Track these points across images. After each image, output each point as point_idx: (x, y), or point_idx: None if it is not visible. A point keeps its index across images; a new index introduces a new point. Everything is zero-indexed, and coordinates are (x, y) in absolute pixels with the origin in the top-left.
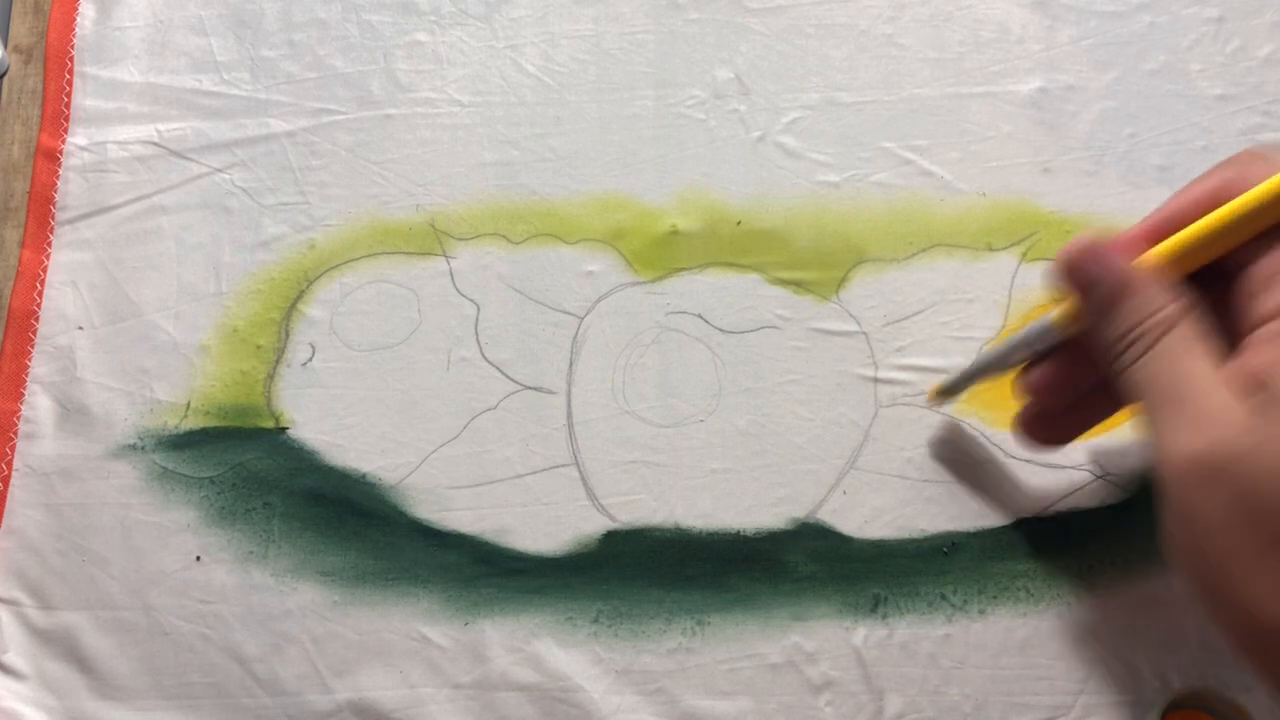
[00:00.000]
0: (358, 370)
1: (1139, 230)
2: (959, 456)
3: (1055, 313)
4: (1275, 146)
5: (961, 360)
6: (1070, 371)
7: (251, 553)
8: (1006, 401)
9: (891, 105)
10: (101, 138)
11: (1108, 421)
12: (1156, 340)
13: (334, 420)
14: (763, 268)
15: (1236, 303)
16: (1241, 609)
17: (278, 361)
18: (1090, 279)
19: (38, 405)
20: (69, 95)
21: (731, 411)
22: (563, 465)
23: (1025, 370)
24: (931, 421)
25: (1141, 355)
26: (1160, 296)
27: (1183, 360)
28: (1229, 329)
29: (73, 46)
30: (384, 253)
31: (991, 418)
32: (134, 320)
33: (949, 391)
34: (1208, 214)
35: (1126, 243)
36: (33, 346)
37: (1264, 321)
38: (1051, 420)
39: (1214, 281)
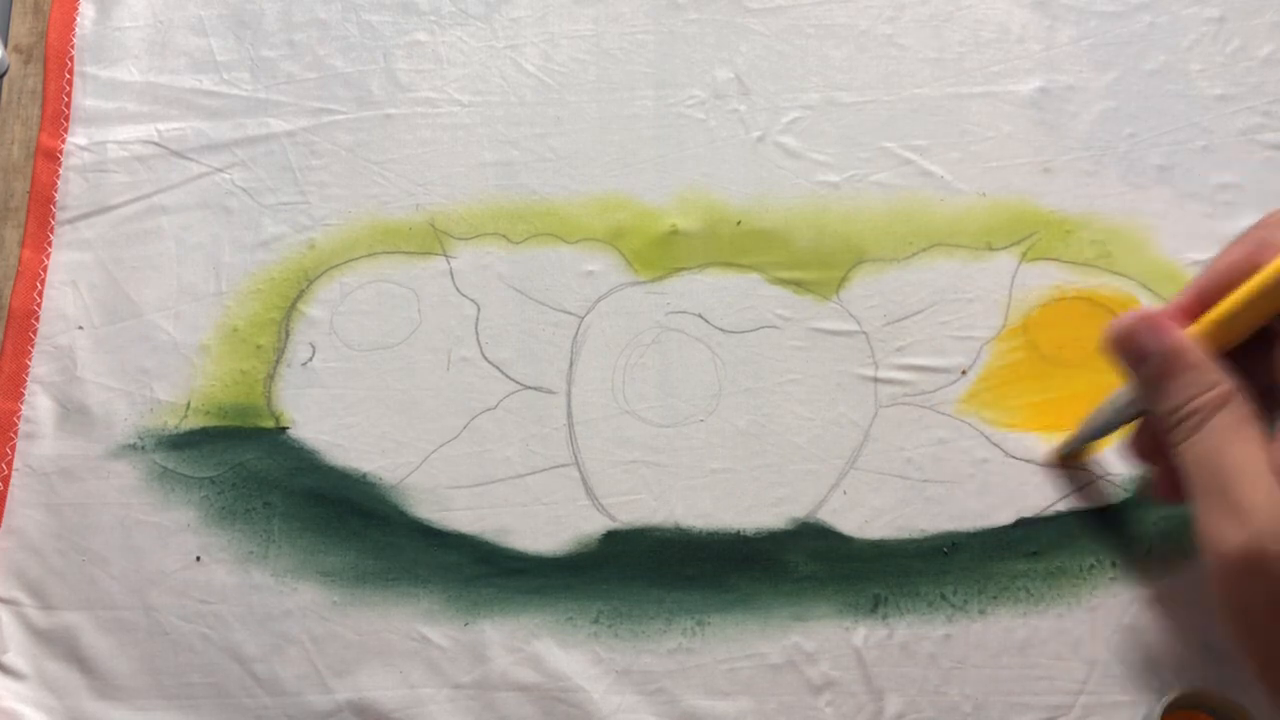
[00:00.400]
0: (358, 370)
1: (1180, 299)
2: (962, 455)
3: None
4: None
5: (962, 360)
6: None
7: (251, 553)
8: (1007, 401)
9: (891, 105)
10: (101, 137)
11: None
12: (1204, 421)
13: (334, 420)
14: (763, 268)
15: (1277, 371)
16: None
17: (278, 361)
18: (1141, 353)
19: (38, 405)
20: (69, 95)
21: (731, 411)
22: (563, 465)
23: (1134, 434)
24: (932, 421)
25: (1190, 436)
26: (1210, 375)
27: (1229, 445)
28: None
29: (73, 46)
30: (384, 252)
31: (992, 418)
32: (134, 320)
33: (1065, 456)
34: (1244, 280)
35: (1171, 313)
36: (33, 346)
37: None
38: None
39: (1261, 348)
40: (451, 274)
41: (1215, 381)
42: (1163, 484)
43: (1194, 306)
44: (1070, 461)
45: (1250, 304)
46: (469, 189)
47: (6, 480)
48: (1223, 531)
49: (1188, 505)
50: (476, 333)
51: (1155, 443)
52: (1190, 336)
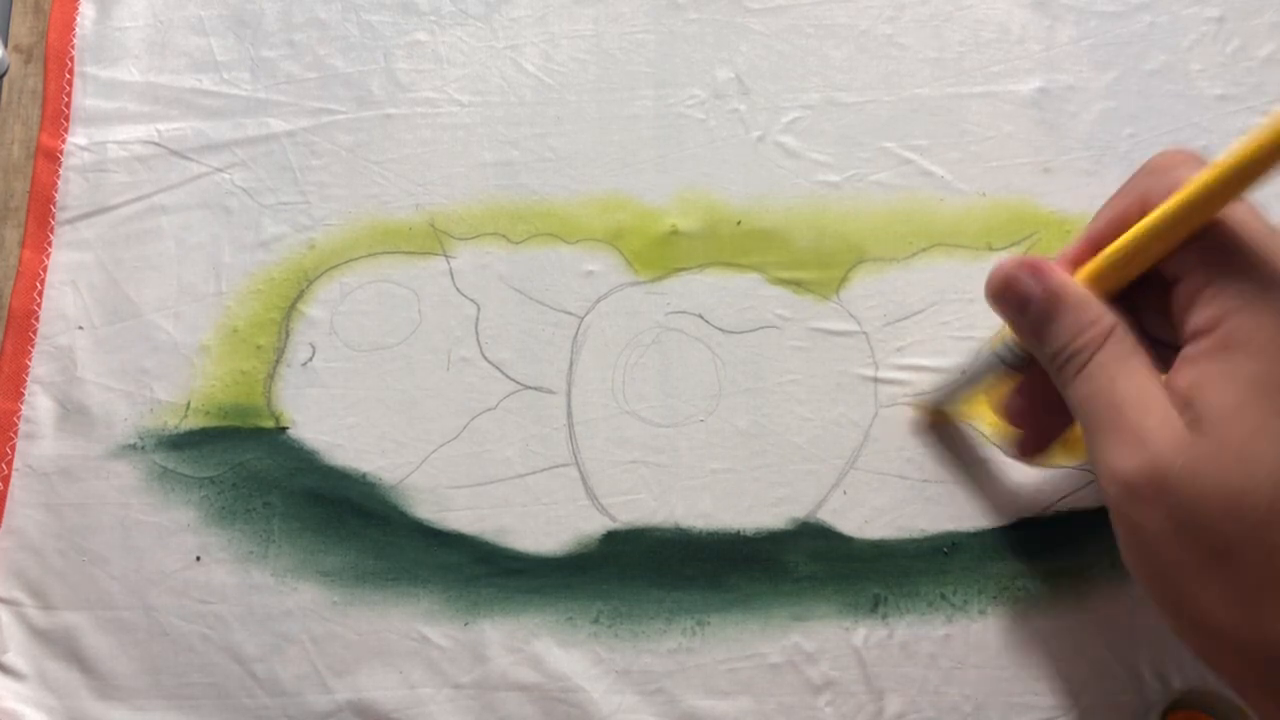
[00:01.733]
0: (358, 370)
1: (1071, 250)
2: (962, 455)
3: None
4: (1188, 151)
5: (962, 360)
6: (1040, 390)
7: (251, 553)
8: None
9: (891, 105)
10: (101, 138)
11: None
12: (1091, 357)
13: (334, 420)
14: (763, 268)
15: (1173, 315)
16: (1191, 617)
17: (278, 361)
18: (1023, 297)
19: (38, 405)
20: (69, 95)
21: (731, 411)
22: (563, 465)
23: (1003, 394)
24: (930, 422)
25: (1078, 372)
26: (1091, 310)
27: (1117, 377)
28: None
29: (73, 46)
30: (384, 252)
31: (991, 418)
32: (134, 320)
33: (931, 407)
34: (1132, 226)
35: (1061, 264)
36: (33, 346)
37: (1193, 338)
38: (1035, 434)
39: (1156, 290)
40: (451, 274)
41: (1097, 317)
42: (1027, 444)
43: (1084, 254)
44: (939, 418)
45: (1134, 248)
46: (469, 189)
47: (6, 480)
48: (1121, 457)
49: (1046, 459)
50: (476, 333)
51: (1028, 404)
52: (1077, 281)
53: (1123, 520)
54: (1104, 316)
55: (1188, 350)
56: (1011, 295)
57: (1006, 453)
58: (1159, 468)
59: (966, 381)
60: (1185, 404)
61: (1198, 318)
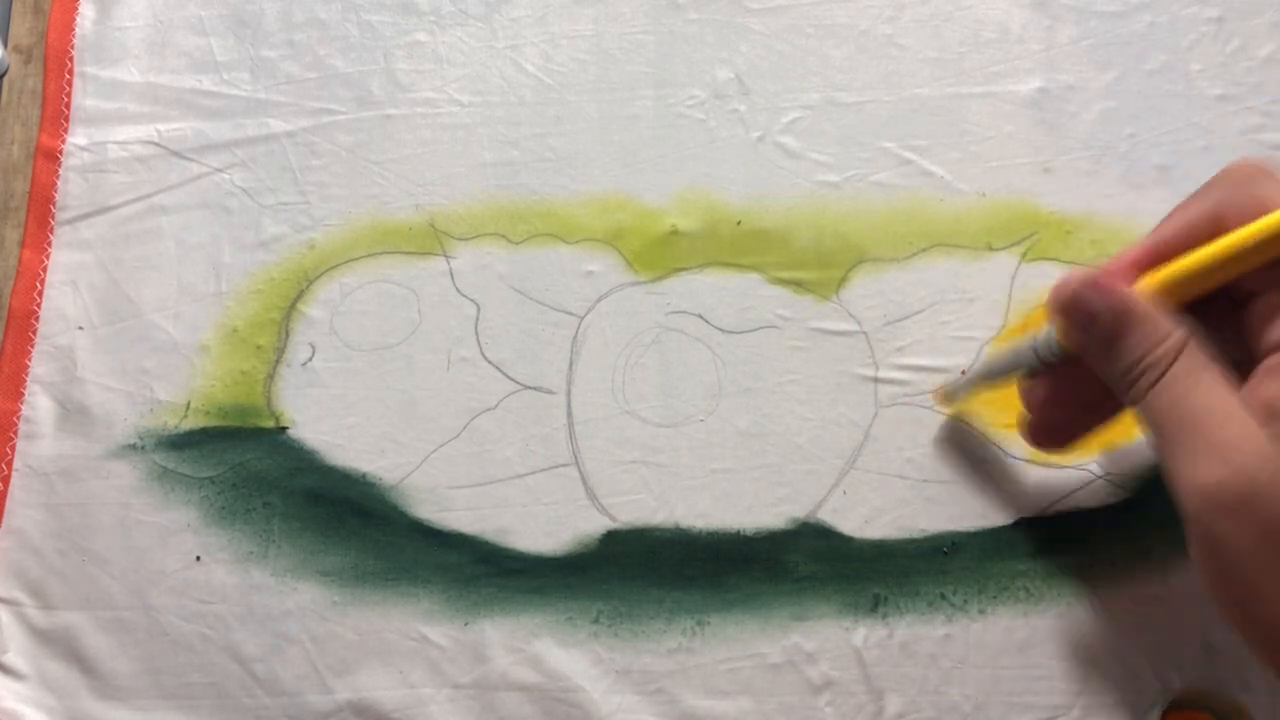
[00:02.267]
0: (358, 370)
1: (1133, 254)
2: (962, 455)
3: (1049, 331)
4: (1264, 164)
5: (962, 360)
6: (1070, 387)
7: (251, 553)
8: (1007, 401)
9: (891, 105)
10: (101, 138)
11: (1112, 425)
12: (1164, 371)
13: (334, 420)
14: (763, 268)
15: (1248, 327)
16: (1268, 632)
17: (278, 361)
18: (1090, 314)
19: (38, 405)
20: (69, 95)
21: (731, 411)
22: (563, 465)
23: (1029, 381)
24: (932, 421)
25: (1151, 386)
26: (1163, 325)
27: (1194, 389)
28: (1242, 351)
29: (73, 46)
30: (384, 253)
31: (992, 418)
32: (134, 320)
33: (951, 396)
34: (1204, 237)
35: (1122, 268)
36: (33, 346)
37: (1274, 350)
38: (1057, 427)
39: (1220, 302)
40: (451, 274)
41: (1168, 331)
42: (1037, 429)
43: (1147, 260)
44: (950, 401)
45: (1214, 263)
46: (469, 189)
47: (6, 480)
48: (1202, 470)
49: (1062, 452)
50: (476, 333)
51: (1053, 394)
52: (1144, 290)
53: (1203, 534)
54: (1175, 331)
55: (1270, 361)
56: (1077, 312)
57: (1026, 440)
58: (1244, 480)
59: (996, 372)
60: (1269, 416)
61: (1277, 331)
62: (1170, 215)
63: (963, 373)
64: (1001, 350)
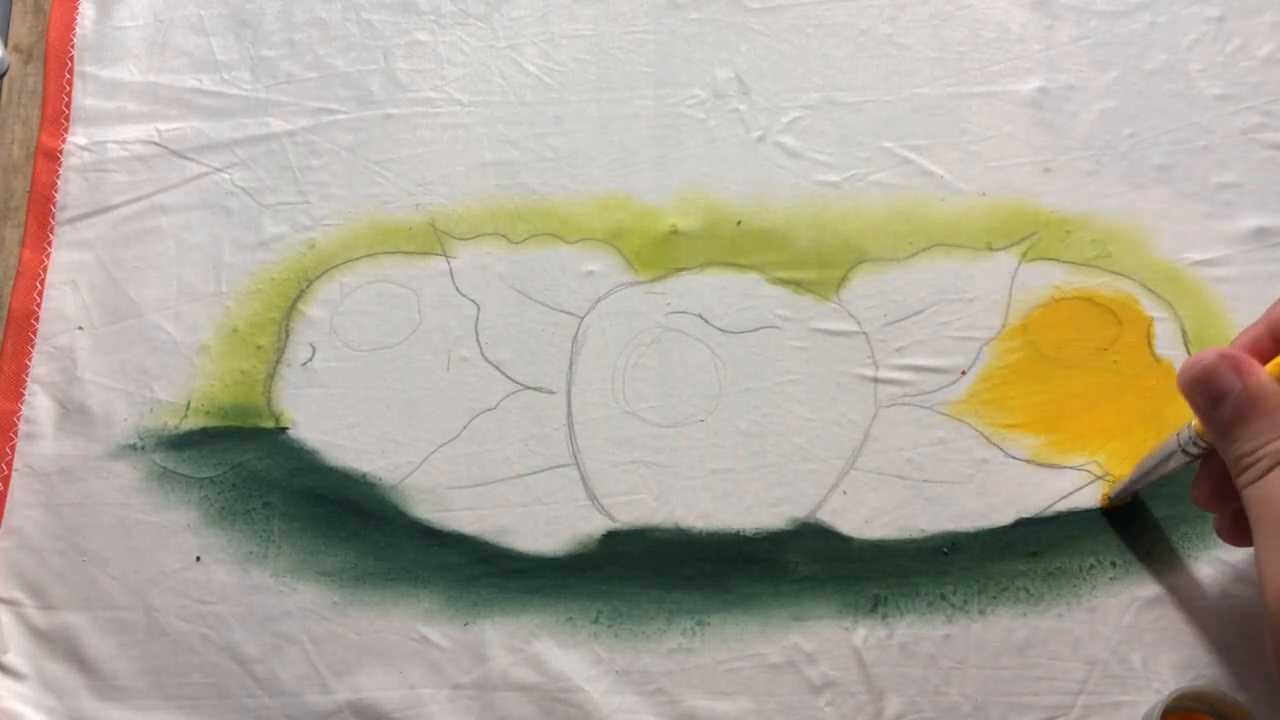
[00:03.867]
0: (358, 370)
1: (1251, 335)
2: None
3: (1191, 425)
4: None
5: (962, 360)
6: (1223, 478)
7: (251, 553)
8: (1007, 401)
9: (891, 105)
10: (101, 137)
11: None
12: (1276, 464)
13: (334, 420)
14: (763, 268)
15: None
16: None
17: (278, 361)
18: (1219, 393)
19: (38, 405)
20: (69, 95)
21: (731, 411)
22: (563, 465)
23: (1195, 482)
24: (931, 422)
25: (1262, 475)
26: None
27: None
28: None
29: (73, 46)
30: (384, 252)
31: (992, 418)
32: (134, 320)
33: (1117, 499)
34: None
35: (1240, 346)
36: (33, 346)
37: None
38: (1240, 522)
39: None
40: (451, 274)
41: None
42: (1227, 529)
43: (1264, 341)
44: (1116, 504)
45: None
46: (469, 189)
47: (6, 480)
48: None
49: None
50: (476, 333)
51: (1216, 487)
52: (1272, 372)
53: (1278, 626)
54: None
55: None
56: (1210, 388)
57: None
58: None
59: (1151, 470)
60: None
61: None
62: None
63: (962, 372)
64: (1152, 451)
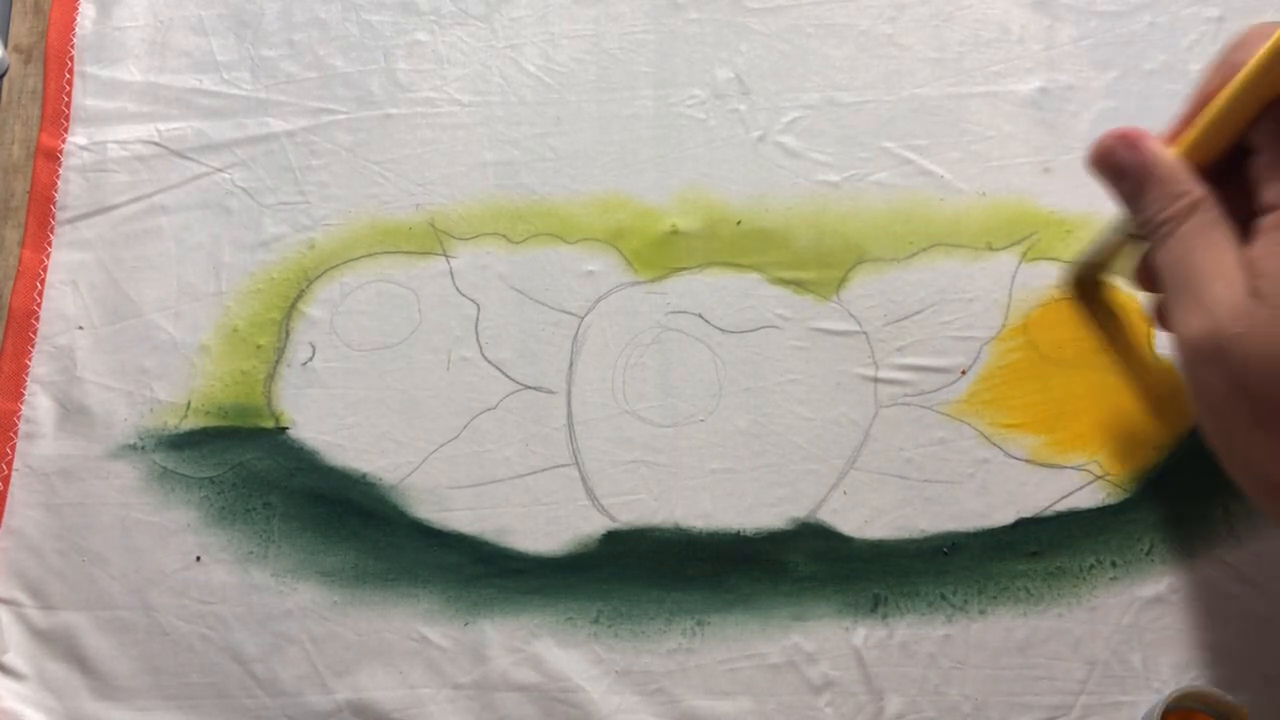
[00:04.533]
0: (358, 370)
1: (1171, 125)
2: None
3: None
4: (1271, 25)
5: (962, 360)
6: None
7: (251, 553)
8: (1007, 401)
9: (891, 105)
10: (101, 137)
11: None
12: (1177, 227)
13: (334, 420)
14: (763, 267)
15: (1250, 186)
16: (1248, 470)
17: (278, 361)
18: (1119, 168)
19: (38, 405)
20: (69, 95)
21: (731, 411)
22: (563, 465)
23: (1139, 273)
24: (931, 421)
25: (1163, 241)
26: (1181, 184)
27: (1196, 247)
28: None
29: (73, 46)
30: (384, 252)
31: (992, 418)
32: (134, 320)
33: (1077, 278)
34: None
35: (1162, 138)
36: (33, 346)
37: (1268, 210)
38: None
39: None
40: (451, 274)
41: (1185, 190)
42: (1163, 313)
43: (1178, 131)
44: (1082, 290)
45: (1218, 119)
46: (469, 189)
47: (6, 480)
48: (1188, 323)
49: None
50: (476, 333)
51: (1147, 271)
52: (1171, 150)
53: (1189, 380)
54: (1193, 189)
55: (1262, 222)
56: (1108, 165)
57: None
58: (1217, 333)
59: (1096, 251)
60: (1252, 274)
61: (1269, 192)
62: (1194, 89)
63: (962, 372)
64: (1092, 240)
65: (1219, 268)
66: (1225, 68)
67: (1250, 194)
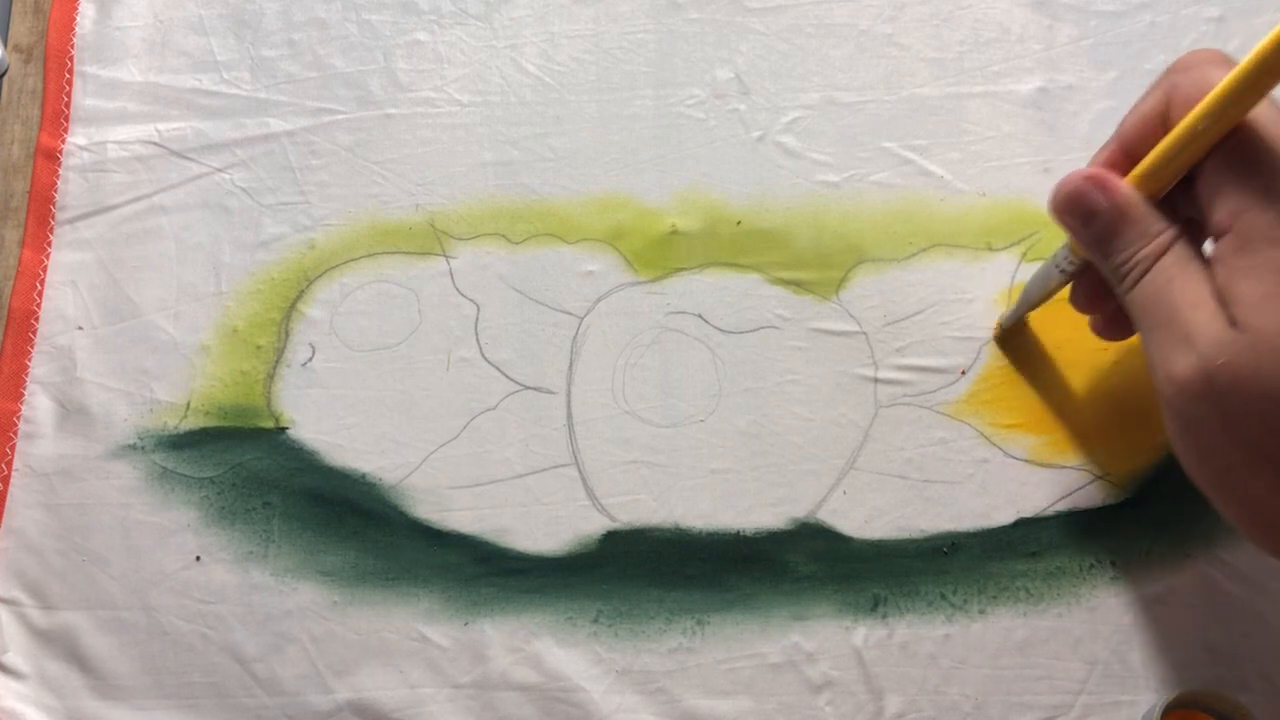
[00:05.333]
0: (358, 370)
1: (1105, 155)
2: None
3: (1065, 246)
4: (1213, 51)
5: (962, 360)
6: (1105, 287)
7: (251, 553)
8: (1007, 401)
9: (891, 105)
10: (101, 137)
11: None
12: (1152, 265)
13: (334, 420)
14: (763, 268)
15: (1199, 208)
16: (1242, 505)
17: (278, 361)
18: (1091, 211)
19: (38, 405)
20: (69, 95)
21: (731, 411)
22: (563, 465)
23: (1071, 293)
24: (931, 422)
25: (1138, 280)
26: (1155, 224)
27: (1174, 282)
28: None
29: (73, 46)
30: (384, 252)
31: (992, 418)
32: (134, 320)
33: (1007, 326)
34: (1158, 129)
35: (1102, 167)
36: (33, 346)
37: (1220, 233)
38: (1114, 320)
39: (1186, 185)
40: (451, 274)
41: (1160, 230)
42: (1104, 327)
43: (1117, 159)
44: (1010, 335)
45: (1173, 155)
46: (469, 189)
47: (6, 480)
48: (1173, 358)
49: (1133, 339)
50: (476, 333)
51: (1091, 293)
52: (1138, 194)
53: (1177, 418)
54: (1168, 229)
55: (1216, 249)
56: (1078, 208)
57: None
58: (1205, 366)
59: (1033, 295)
60: (1223, 302)
61: (1218, 214)
62: (1128, 116)
63: (962, 372)
64: (1031, 277)
65: (1195, 299)
66: (1161, 93)
67: (1190, 218)
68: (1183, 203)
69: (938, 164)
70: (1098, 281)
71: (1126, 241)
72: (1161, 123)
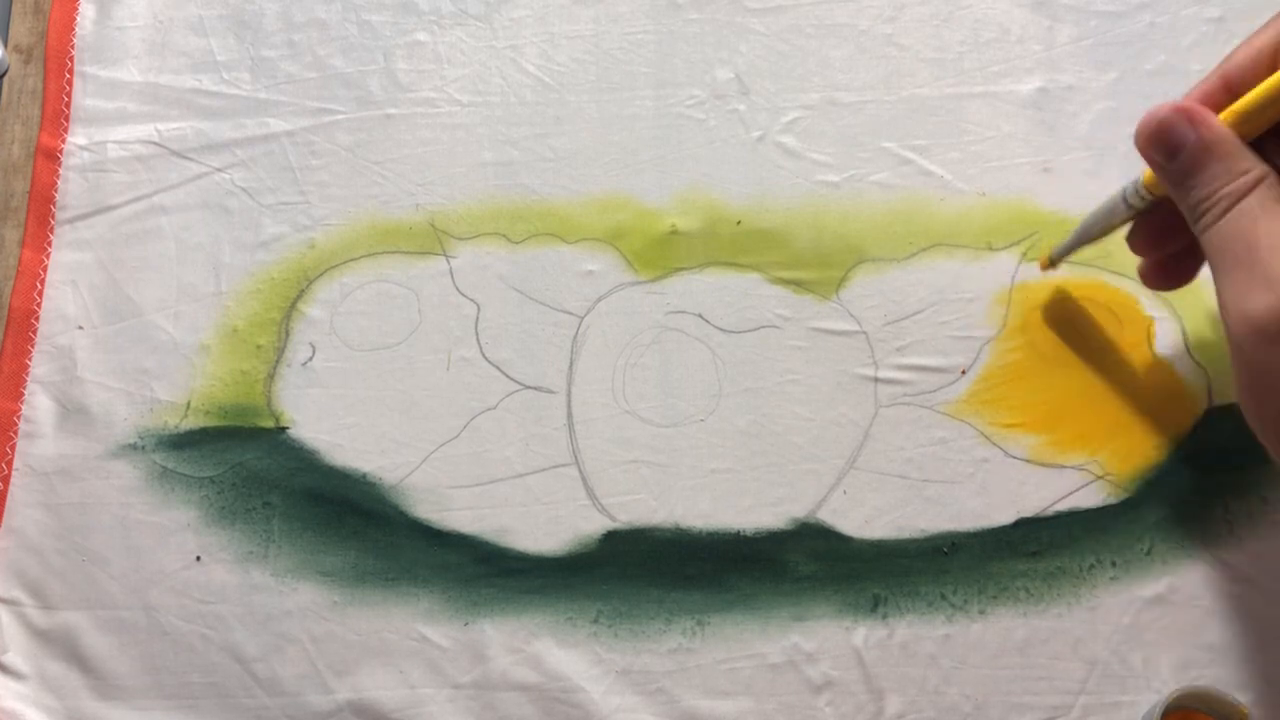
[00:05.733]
0: (358, 370)
1: (1203, 88)
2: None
3: (1137, 179)
4: None
5: (962, 360)
6: (1170, 228)
7: (251, 553)
8: (1007, 400)
9: (891, 105)
10: (101, 137)
11: None
12: (1235, 203)
13: (334, 420)
14: (763, 267)
15: None
16: None
17: (278, 361)
18: (1176, 144)
19: (38, 405)
20: (69, 95)
21: (731, 411)
22: (563, 465)
23: (1132, 230)
24: (931, 421)
25: (1220, 217)
26: (1244, 160)
27: (1259, 223)
28: None
29: (73, 46)
30: (384, 252)
31: (992, 418)
32: (134, 320)
33: (1058, 258)
34: (1270, 68)
35: (1198, 101)
36: (33, 346)
37: None
38: (1168, 268)
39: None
40: (451, 274)
41: (1250, 165)
42: (1152, 274)
43: (1216, 91)
44: (1056, 263)
45: (1276, 96)
46: (469, 189)
47: (6, 480)
48: (1250, 297)
49: (1177, 288)
50: (476, 333)
51: (1153, 235)
52: (1224, 120)
53: (1248, 362)
54: (1256, 165)
55: None
56: (1165, 140)
57: (1146, 285)
58: None
59: (1093, 228)
60: None
61: None
62: (1238, 48)
63: (962, 372)
64: (1095, 209)
65: None
66: (1274, 34)
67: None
68: (1272, 149)
69: (938, 164)
70: (1163, 221)
71: (1212, 175)
72: (1272, 59)
